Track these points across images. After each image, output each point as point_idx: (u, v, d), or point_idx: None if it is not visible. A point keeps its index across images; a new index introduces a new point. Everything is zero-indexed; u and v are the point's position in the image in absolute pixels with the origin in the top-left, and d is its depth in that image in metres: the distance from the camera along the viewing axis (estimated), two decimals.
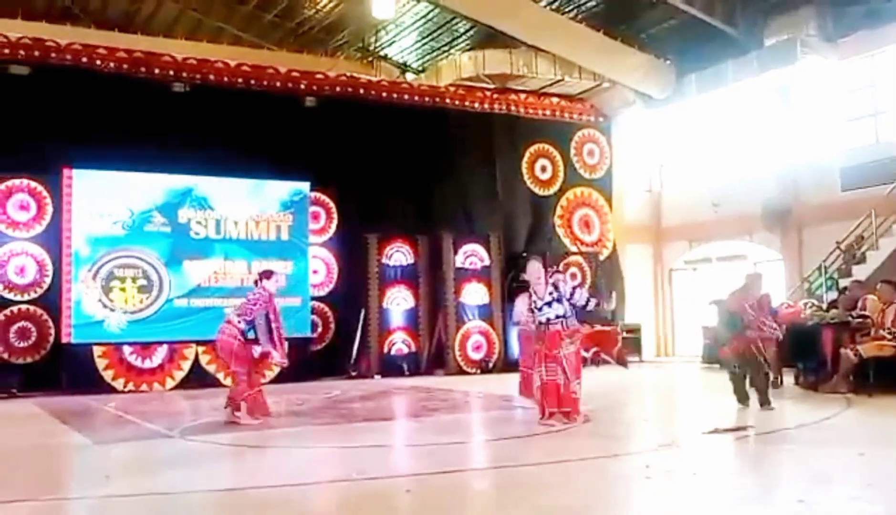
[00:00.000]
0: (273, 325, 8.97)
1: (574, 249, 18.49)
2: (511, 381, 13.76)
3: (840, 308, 11.53)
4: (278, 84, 16.11)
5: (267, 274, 9.33)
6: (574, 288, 8.28)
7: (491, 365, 16.30)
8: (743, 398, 9.12)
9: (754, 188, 16.99)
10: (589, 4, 18.33)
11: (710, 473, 5.95)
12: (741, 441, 7.23)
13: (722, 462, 6.41)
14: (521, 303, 9.78)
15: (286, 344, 9.25)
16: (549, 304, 8.06)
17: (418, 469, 6.41)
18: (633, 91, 18.62)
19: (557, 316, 8.03)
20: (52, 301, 13.64)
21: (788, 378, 11.54)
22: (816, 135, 16.68)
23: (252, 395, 8.96)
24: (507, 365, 15.96)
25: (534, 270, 8.31)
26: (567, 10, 18.23)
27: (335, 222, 16.21)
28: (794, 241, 16.71)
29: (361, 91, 16.91)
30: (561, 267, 17.72)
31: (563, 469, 6.15)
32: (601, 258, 18.75)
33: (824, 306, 12.74)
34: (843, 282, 13.71)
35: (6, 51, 14.08)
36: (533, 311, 8.26)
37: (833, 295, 13.59)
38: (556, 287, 8.09)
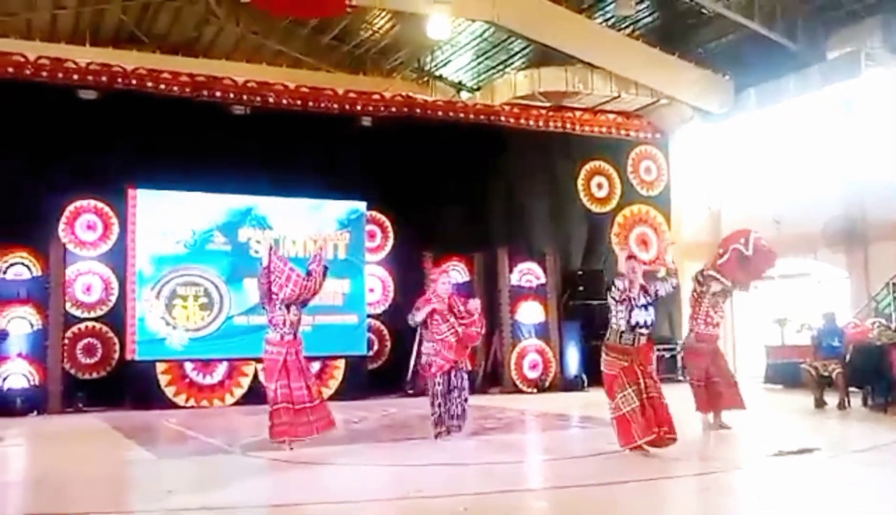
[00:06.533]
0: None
1: None
2: (567, 400, 13.69)
3: None
4: (335, 105, 16.39)
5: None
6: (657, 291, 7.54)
7: (547, 383, 16.14)
8: None
9: (818, 204, 16.55)
10: (645, 20, 18.24)
11: (776, 495, 5.79)
12: (807, 464, 7.02)
13: (788, 484, 6.22)
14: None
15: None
16: (645, 307, 7.29)
17: (475, 487, 6.37)
18: (690, 107, 18.38)
19: (650, 324, 7.26)
20: (117, 318, 14.01)
21: (856, 399, 11.19)
22: (883, 149, 16.22)
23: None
24: (563, 383, 15.83)
25: (630, 266, 7.63)
26: (623, 26, 18.14)
27: (391, 240, 16.33)
28: (861, 259, 16.21)
29: (417, 111, 17.09)
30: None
31: (622, 490, 6.04)
32: (658, 276, 18.46)
33: (893, 325, 12.33)
34: None
35: (75, 76, 14.62)
36: (618, 309, 7.27)
37: None
38: (646, 290, 7.39)
